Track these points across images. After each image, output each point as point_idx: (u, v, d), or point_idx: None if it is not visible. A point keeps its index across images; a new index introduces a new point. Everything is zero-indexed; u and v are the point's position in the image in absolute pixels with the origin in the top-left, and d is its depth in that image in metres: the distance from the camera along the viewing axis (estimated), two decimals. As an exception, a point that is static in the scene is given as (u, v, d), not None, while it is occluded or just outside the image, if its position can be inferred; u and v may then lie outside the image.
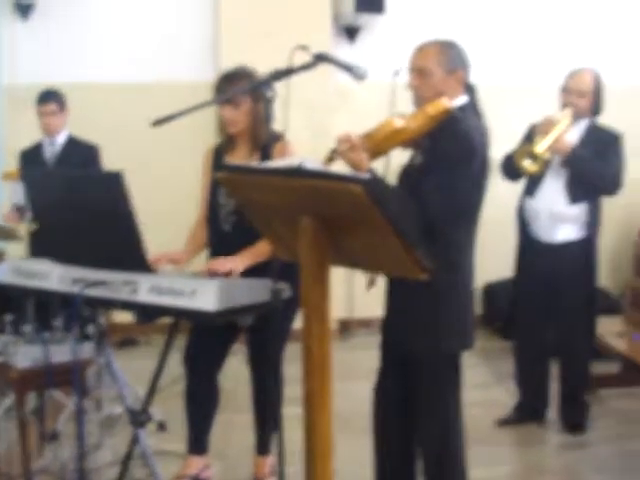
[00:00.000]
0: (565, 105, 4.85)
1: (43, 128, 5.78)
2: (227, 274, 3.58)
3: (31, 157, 5.84)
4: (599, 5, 7.49)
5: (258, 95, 3.70)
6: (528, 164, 4.66)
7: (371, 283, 3.49)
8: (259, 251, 3.72)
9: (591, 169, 4.76)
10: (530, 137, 4.83)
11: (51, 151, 5.80)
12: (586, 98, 4.84)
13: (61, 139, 5.82)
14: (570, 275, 4.86)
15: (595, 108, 4.90)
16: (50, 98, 5.74)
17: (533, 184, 4.90)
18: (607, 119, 4.98)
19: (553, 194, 4.83)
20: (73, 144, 5.83)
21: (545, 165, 4.70)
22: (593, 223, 4.86)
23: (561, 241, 4.86)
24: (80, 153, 5.78)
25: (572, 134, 4.81)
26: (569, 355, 5.03)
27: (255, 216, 2.82)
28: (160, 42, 7.13)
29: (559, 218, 4.82)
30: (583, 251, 4.88)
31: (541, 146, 4.63)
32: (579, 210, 4.82)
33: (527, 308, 5.02)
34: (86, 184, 3.55)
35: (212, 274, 3.56)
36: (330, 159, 3.10)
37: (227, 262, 3.65)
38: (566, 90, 4.88)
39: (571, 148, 4.72)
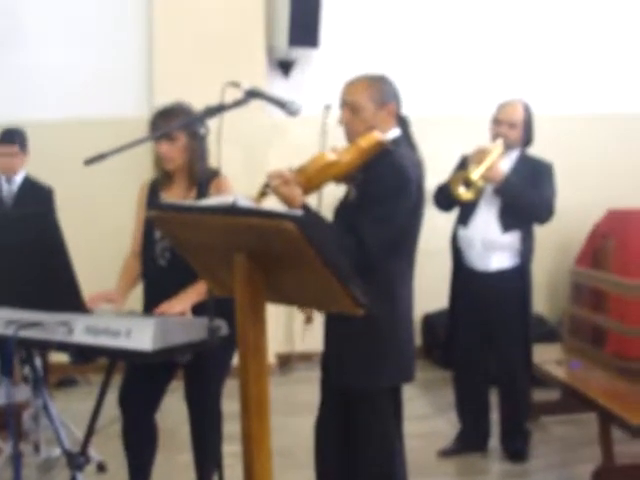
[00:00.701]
0: (496, 136, 4.92)
1: (1, 167, 5.67)
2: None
3: None
4: (527, 36, 7.60)
5: (194, 131, 3.68)
6: (463, 191, 4.72)
7: (308, 320, 3.49)
8: (201, 289, 3.64)
9: (524, 197, 4.83)
10: (463, 167, 4.89)
11: (8, 190, 5.70)
12: (517, 129, 4.91)
13: (18, 179, 5.73)
14: (505, 303, 4.90)
15: (526, 139, 4.98)
16: (12, 138, 5.62)
17: (466, 213, 4.95)
18: (537, 148, 5.05)
19: (486, 223, 4.88)
20: (30, 184, 5.73)
21: (479, 193, 4.76)
22: (526, 251, 4.91)
23: (495, 269, 4.90)
24: (36, 194, 5.68)
25: (504, 164, 4.87)
26: (508, 383, 5.05)
27: (189, 254, 2.80)
28: (93, 79, 7.03)
29: (492, 246, 4.86)
30: (517, 279, 4.91)
31: (475, 173, 4.69)
32: (512, 238, 4.87)
33: (463, 337, 5.04)
34: (17, 223, 3.50)
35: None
36: (263, 194, 3.10)
37: (175, 304, 3.62)
38: (497, 121, 4.95)
39: (504, 176, 4.78)
